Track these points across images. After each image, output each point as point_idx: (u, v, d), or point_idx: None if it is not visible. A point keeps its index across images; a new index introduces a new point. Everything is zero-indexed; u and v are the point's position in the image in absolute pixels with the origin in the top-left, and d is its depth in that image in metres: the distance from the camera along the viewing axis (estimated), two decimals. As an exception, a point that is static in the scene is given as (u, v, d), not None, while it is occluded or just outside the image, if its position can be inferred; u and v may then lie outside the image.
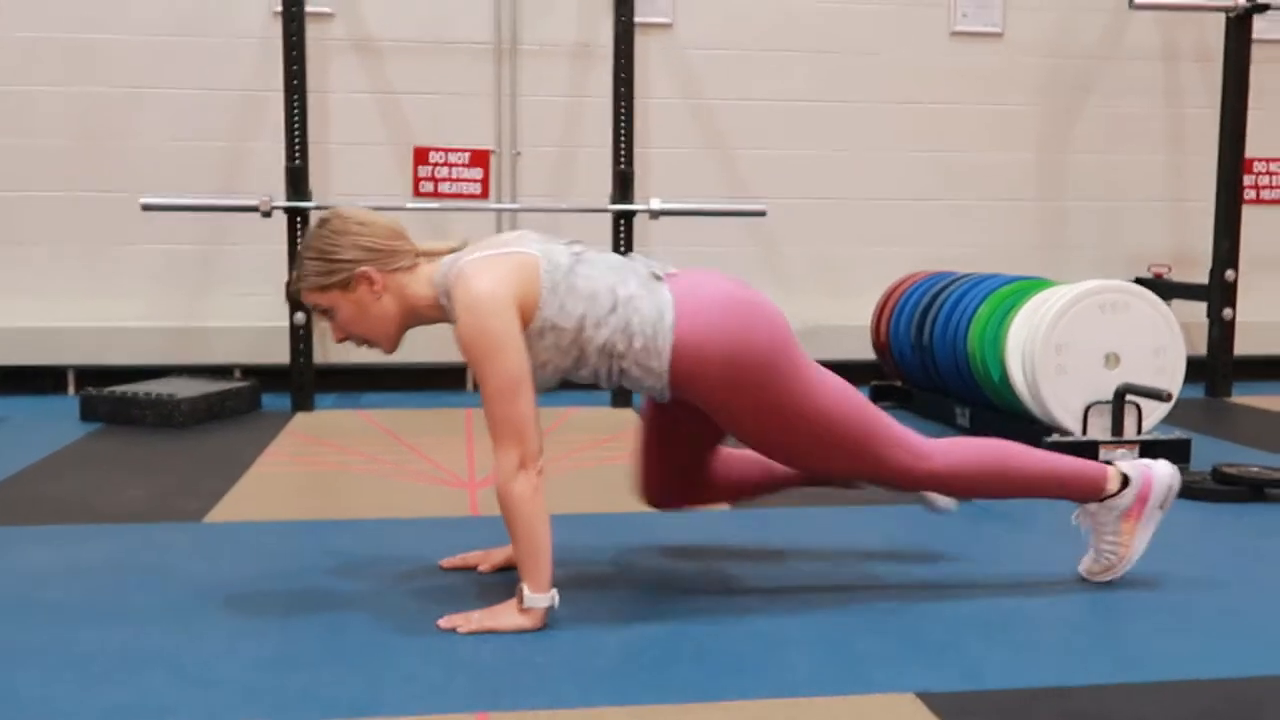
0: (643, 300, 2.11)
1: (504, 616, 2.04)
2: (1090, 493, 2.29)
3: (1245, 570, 2.47)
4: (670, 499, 2.44)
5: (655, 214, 4.51)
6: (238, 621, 2.09)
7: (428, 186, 4.98)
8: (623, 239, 4.55)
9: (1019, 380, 3.48)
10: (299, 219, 4.36)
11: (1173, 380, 3.40)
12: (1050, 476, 2.29)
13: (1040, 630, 2.10)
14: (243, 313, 4.90)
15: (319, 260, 2.14)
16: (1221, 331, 4.85)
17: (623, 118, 4.56)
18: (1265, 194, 5.46)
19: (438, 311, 2.17)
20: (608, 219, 4.63)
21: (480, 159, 5.00)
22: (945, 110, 5.26)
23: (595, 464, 3.51)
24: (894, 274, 4.76)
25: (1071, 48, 5.31)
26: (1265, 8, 4.71)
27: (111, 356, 4.76)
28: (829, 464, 2.23)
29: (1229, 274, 4.82)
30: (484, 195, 5.01)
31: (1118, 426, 3.35)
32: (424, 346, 4.93)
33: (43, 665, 1.87)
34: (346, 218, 2.17)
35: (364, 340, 2.21)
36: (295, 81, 4.33)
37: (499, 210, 4.97)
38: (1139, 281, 4.51)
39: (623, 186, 4.54)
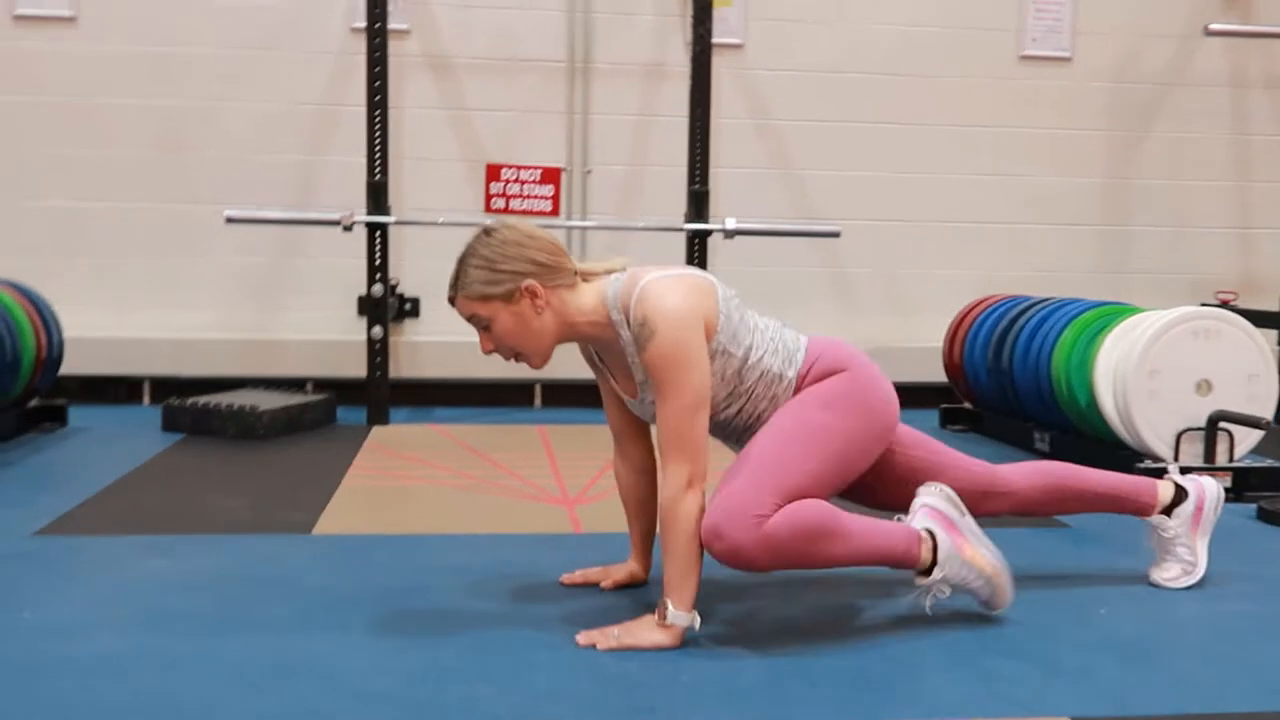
0: (778, 328, 2.26)
1: (643, 633, 2.05)
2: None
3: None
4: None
5: (730, 234, 4.53)
6: (377, 634, 2.11)
7: (499, 203, 5.01)
8: (696, 258, 4.57)
9: (1109, 405, 3.48)
10: (378, 233, 4.40)
11: (1265, 408, 3.39)
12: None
13: (1171, 652, 2.10)
14: (315, 326, 4.94)
15: (485, 269, 2.14)
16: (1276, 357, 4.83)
17: (698, 137, 4.58)
18: (1330, 221, 5.45)
19: (597, 329, 2.19)
20: (678, 238, 4.66)
21: (551, 176, 5.03)
22: (1013, 134, 5.27)
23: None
24: (959, 296, 4.77)
25: (1139, 73, 5.33)
26: (1341, 36, 4.72)
27: (186, 367, 4.80)
28: (752, 468, 2.08)
29: (1300, 301, 4.81)
30: (554, 212, 5.03)
31: (1210, 453, 3.35)
32: (492, 362, 5.00)
33: (197, 674, 1.89)
34: (515, 228, 2.19)
35: (515, 353, 2.22)
36: (377, 97, 4.37)
37: (570, 227, 5.00)
38: (1204, 307, 4.50)
39: (698, 206, 4.56)
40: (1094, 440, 3.68)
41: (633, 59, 5.06)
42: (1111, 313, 3.72)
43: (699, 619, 2.05)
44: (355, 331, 4.89)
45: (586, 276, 2.22)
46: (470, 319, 2.20)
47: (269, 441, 4.05)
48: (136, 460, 3.64)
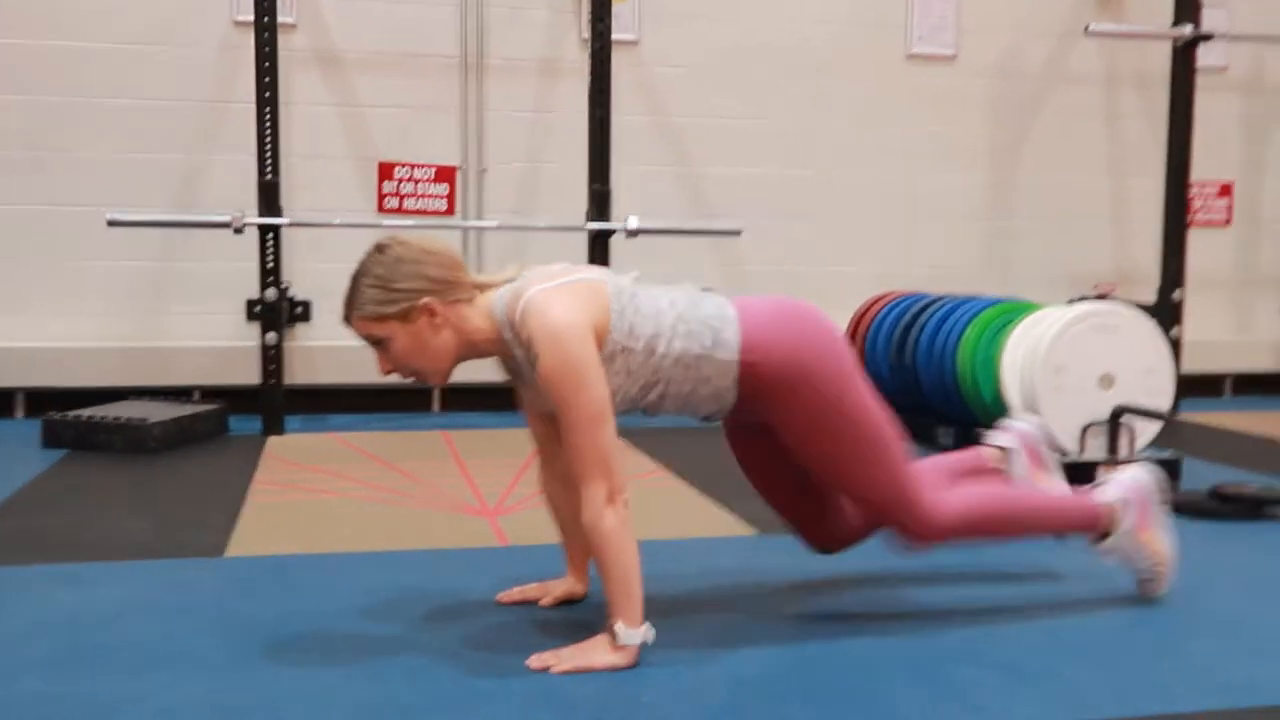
0: (702, 302, 2.16)
1: (597, 654, 2.01)
2: (1092, 525, 2.38)
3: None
4: (833, 537, 2.40)
5: (632, 233, 4.50)
6: (319, 665, 2.01)
7: (392, 203, 4.89)
8: (598, 258, 4.53)
9: (1015, 400, 3.56)
10: (271, 235, 4.24)
11: (1163, 400, 3.51)
12: (1055, 512, 2.40)
13: (1133, 654, 2.14)
14: (202, 332, 4.74)
15: (379, 289, 2.05)
16: (1171, 350, 5.02)
17: (598, 136, 4.53)
18: (1200, 216, 5.69)
19: (495, 345, 2.12)
20: (579, 237, 4.61)
21: (446, 175, 4.93)
22: (903, 131, 5.36)
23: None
24: (854, 293, 4.83)
25: (1021, 71, 5.47)
26: (1209, 37, 4.91)
27: (63, 378, 4.56)
28: (865, 483, 2.18)
29: (1176, 294, 5.00)
30: (450, 212, 4.94)
31: (1113, 446, 3.45)
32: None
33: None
34: (410, 244, 2.10)
35: (414, 373, 2.15)
36: (267, 94, 4.21)
37: (466, 228, 4.91)
38: (1083, 300, 4.64)
39: (599, 205, 4.52)
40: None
41: (527, 55, 4.98)
42: (1013, 309, 3.81)
43: (652, 630, 2.01)
44: (244, 337, 4.71)
45: (484, 288, 2.14)
46: (366, 339, 2.11)
47: (160, 455, 3.87)
48: (18, 481, 3.43)
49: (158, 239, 4.63)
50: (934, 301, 4.23)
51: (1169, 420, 3.35)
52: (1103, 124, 5.59)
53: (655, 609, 2.04)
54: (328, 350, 4.81)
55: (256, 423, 4.34)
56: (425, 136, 4.90)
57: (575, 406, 1.98)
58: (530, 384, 2.17)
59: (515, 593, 2.39)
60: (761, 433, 2.27)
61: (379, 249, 2.09)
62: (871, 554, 2.50)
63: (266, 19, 4.19)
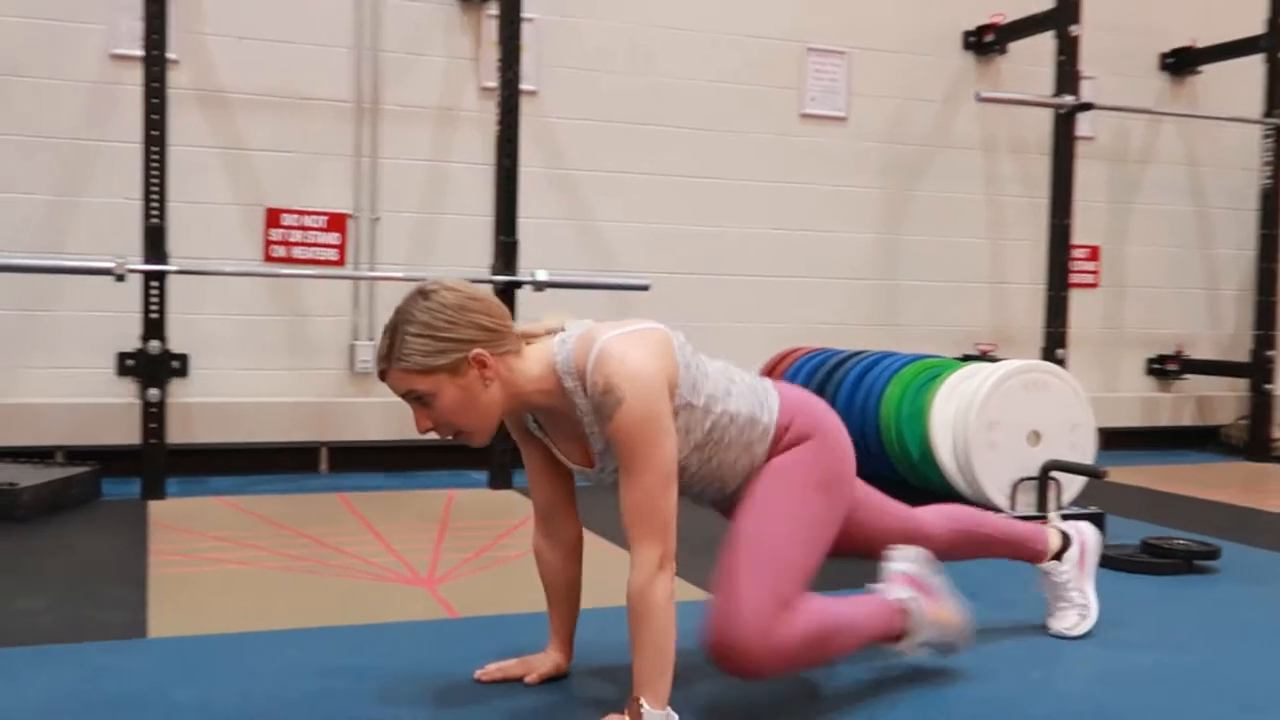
0: (736, 370, 2.14)
1: (618, 735, 1.85)
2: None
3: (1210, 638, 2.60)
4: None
5: (540, 286, 4.36)
6: (304, 762, 1.79)
7: (279, 251, 4.62)
8: (505, 311, 4.37)
9: (946, 457, 3.55)
10: (155, 283, 3.93)
11: (1086, 455, 3.57)
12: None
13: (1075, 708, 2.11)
14: (67, 387, 4.35)
15: (427, 338, 1.88)
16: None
17: (505, 187, 4.39)
18: (1072, 278, 5.89)
19: (549, 398, 1.98)
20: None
21: (338, 223, 4.69)
22: (797, 189, 5.39)
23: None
24: (752, 350, 4.76)
25: (906, 134, 5.59)
26: (1089, 106, 5.11)
27: (-93, 438, 4.11)
28: (755, 563, 1.97)
29: (1060, 352, 5.14)
30: (340, 262, 4.70)
31: (1043, 502, 3.48)
32: (273, 424, 4.58)
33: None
34: (459, 290, 1.94)
35: (458, 431, 1.97)
36: (155, 132, 3.91)
37: (359, 278, 4.68)
38: (967, 359, 4.72)
39: (506, 257, 4.36)
40: (924, 492, 3.74)
41: (424, 102, 4.81)
42: (936, 365, 3.82)
43: (674, 716, 1.87)
44: (114, 393, 4.36)
45: (529, 339, 2.01)
46: (406, 395, 1.94)
47: (29, 523, 3.51)
48: (-122, 555, 3.04)
49: (19, 288, 4.25)
50: (850, 357, 4.22)
51: (1102, 476, 3.40)
52: (982, 187, 5.75)
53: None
54: (205, 407, 4.49)
55: (132, 485, 3.99)
56: (316, 183, 4.66)
57: (648, 459, 1.86)
58: (571, 441, 2.03)
59: (494, 670, 2.20)
60: None
61: (422, 294, 1.92)
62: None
63: (156, 53, 3.91)
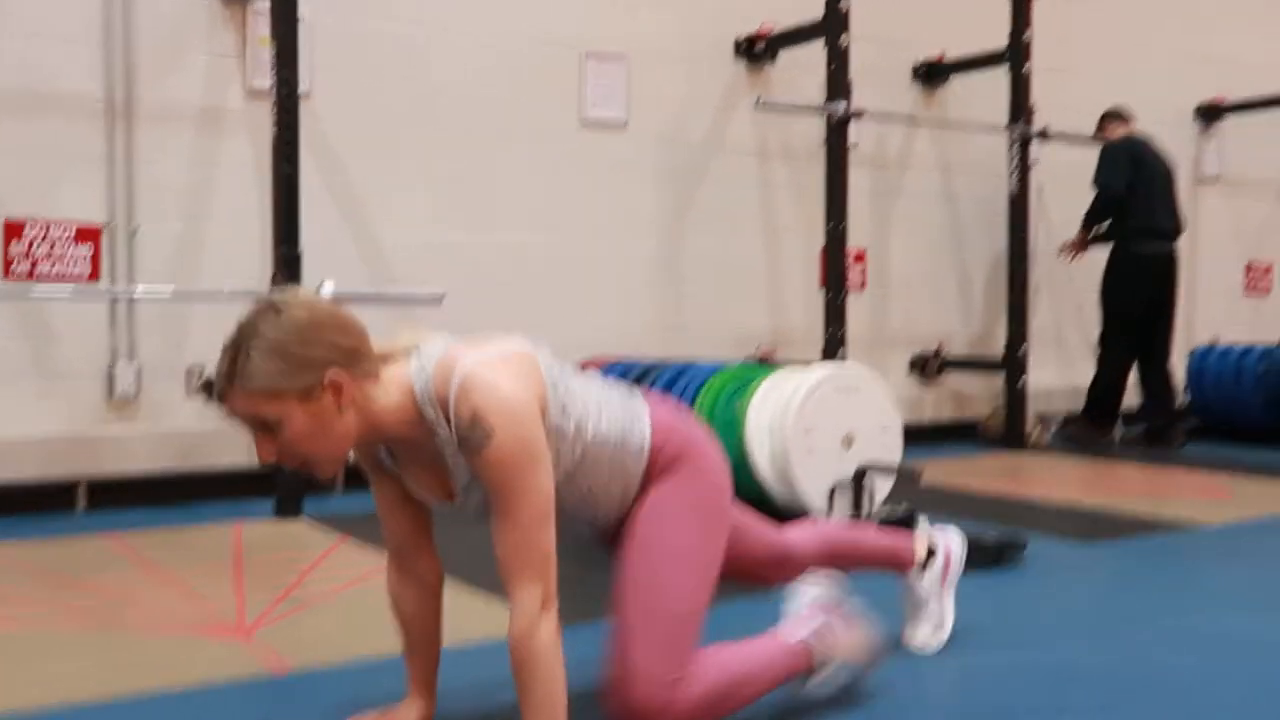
0: (606, 381, 2.02)
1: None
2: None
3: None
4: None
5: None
6: None
7: (22, 267, 4.14)
8: (288, 328, 4.07)
9: (764, 463, 3.55)
10: (-120, 308, 3.43)
11: (896, 455, 3.65)
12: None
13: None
14: None
15: (278, 358, 1.67)
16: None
17: (285, 194, 4.09)
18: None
19: (407, 429, 1.79)
20: (259, 305, 4.12)
21: (89, 234, 4.25)
22: (579, 196, 5.31)
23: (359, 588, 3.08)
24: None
25: (685, 141, 5.61)
26: (860, 114, 5.28)
27: None
28: (648, 608, 1.88)
29: (840, 353, 5.28)
30: (94, 276, 4.26)
31: (857, 504, 3.53)
32: (22, 460, 4.10)
33: None
34: (313, 305, 1.73)
35: (305, 462, 1.76)
36: (-126, 134, 3.42)
37: (115, 297, 4.26)
38: (764, 364, 4.79)
39: (289, 269, 4.07)
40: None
41: (184, 102, 4.43)
42: (748, 373, 3.82)
43: (566, 769, 1.74)
44: None
45: (386, 359, 1.82)
46: (248, 421, 1.72)
47: None
48: None
49: None
50: (654, 367, 4.17)
51: (918, 477, 3.48)
52: (757, 193, 5.84)
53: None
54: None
55: None
56: (62, 190, 4.21)
57: (523, 494, 1.71)
58: (428, 472, 1.85)
59: (355, 728, 2.00)
60: None
61: (273, 308, 1.70)
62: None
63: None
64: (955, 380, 6.44)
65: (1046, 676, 2.34)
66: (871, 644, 2.16)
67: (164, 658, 2.48)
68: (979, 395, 6.52)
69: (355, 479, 4.53)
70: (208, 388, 1.77)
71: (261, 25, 4.48)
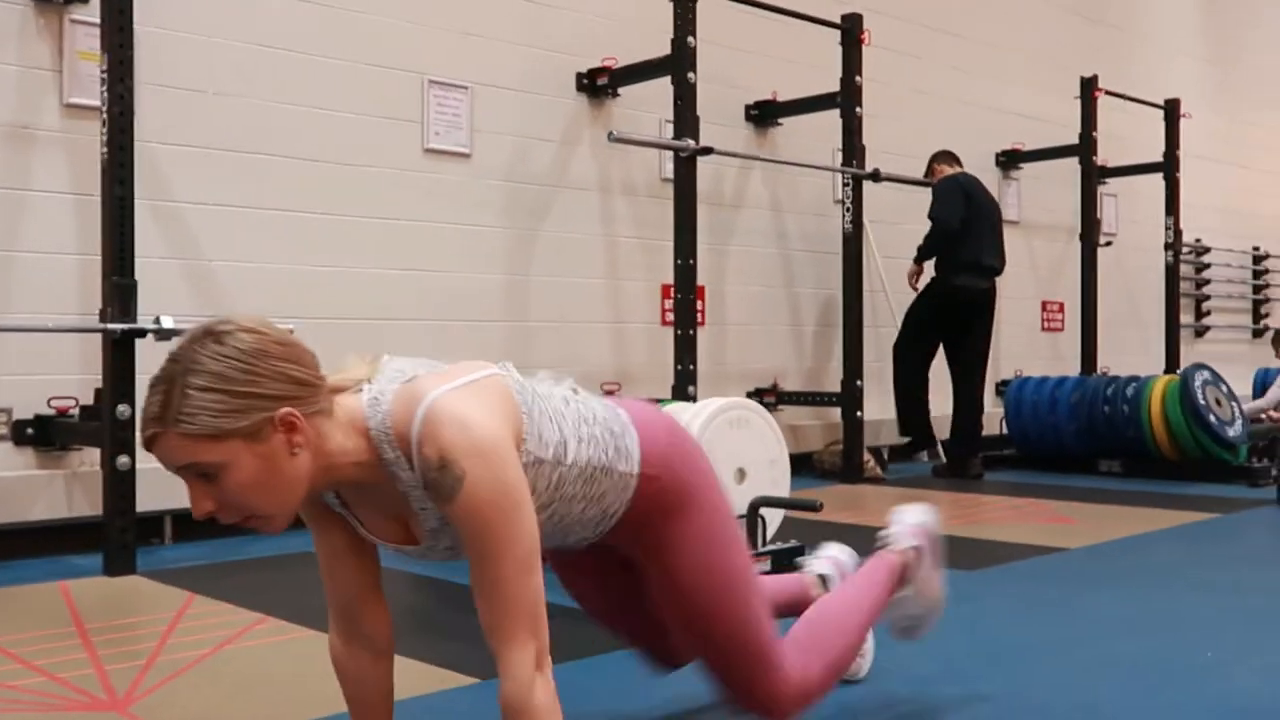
0: (589, 400, 1.82)
1: None
2: (900, 580, 2.30)
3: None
4: (674, 654, 2.05)
5: (165, 334, 3.74)
6: None
7: None
8: (121, 364, 3.69)
9: (656, 501, 3.43)
10: None
11: (783, 489, 3.59)
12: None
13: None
14: None
15: (220, 393, 1.44)
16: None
17: (118, 220, 3.72)
18: (669, 316, 6.04)
19: (360, 470, 1.57)
20: (85, 341, 3.75)
21: (-120, 262, 3.76)
22: (422, 227, 5.09)
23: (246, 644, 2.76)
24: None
25: (528, 173, 5.47)
26: (710, 150, 5.27)
27: None
28: (727, 632, 1.83)
29: (690, 389, 5.23)
30: (-115, 310, 3.76)
31: (753, 538, 3.44)
32: None
33: None
34: (260, 332, 1.50)
35: (250, 514, 1.52)
36: None
37: (-86, 330, 3.77)
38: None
39: (123, 301, 3.69)
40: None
41: (-9, 117, 4.00)
42: (629, 407, 3.70)
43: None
44: None
45: (338, 392, 1.60)
46: (184, 468, 1.48)
47: None
48: None
49: None
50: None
51: (817, 509, 3.42)
52: (600, 228, 5.75)
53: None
54: None
55: None
56: None
57: (504, 542, 1.51)
58: (385, 517, 1.64)
59: (301, 811, 1.75)
60: (607, 563, 1.93)
61: (213, 335, 1.46)
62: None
63: None
64: (790, 414, 6.50)
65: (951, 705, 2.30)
66: (942, 599, 2.28)
67: (33, 741, 2.14)
68: (811, 429, 6.60)
69: (187, 526, 4.16)
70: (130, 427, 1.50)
71: (81, 36, 4.12)
